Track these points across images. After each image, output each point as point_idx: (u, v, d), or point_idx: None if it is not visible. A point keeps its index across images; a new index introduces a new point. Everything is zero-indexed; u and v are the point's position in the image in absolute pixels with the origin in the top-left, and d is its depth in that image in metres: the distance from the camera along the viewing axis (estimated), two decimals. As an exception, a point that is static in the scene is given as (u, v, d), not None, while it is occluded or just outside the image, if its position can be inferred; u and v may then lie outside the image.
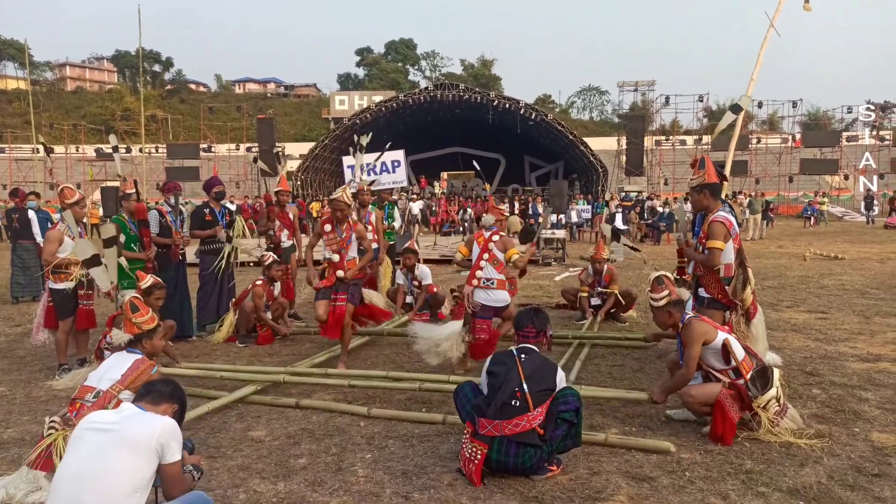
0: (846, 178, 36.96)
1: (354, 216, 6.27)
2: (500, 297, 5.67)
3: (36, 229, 10.49)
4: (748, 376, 4.08)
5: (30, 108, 25.25)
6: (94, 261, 5.24)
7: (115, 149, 7.13)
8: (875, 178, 36.59)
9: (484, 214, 6.07)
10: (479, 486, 3.44)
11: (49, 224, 11.08)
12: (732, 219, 4.80)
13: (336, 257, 5.87)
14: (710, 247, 4.69)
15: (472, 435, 3.55)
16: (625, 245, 7.67)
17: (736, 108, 5.87)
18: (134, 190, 6.69)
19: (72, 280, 5.90)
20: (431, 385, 5.00)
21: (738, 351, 4.18)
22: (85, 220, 6.39)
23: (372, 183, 9.60)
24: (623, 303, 7.75)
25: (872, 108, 39.65)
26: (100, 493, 2.52)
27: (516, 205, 30.04)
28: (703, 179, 4.83)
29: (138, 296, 4.70)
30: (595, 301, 7.98)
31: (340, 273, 5.83)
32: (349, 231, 5.92)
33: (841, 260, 14.17)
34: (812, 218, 28.82)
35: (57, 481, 2.66)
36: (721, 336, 4.19)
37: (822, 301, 8.98)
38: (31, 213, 10.52)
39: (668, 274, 4.63)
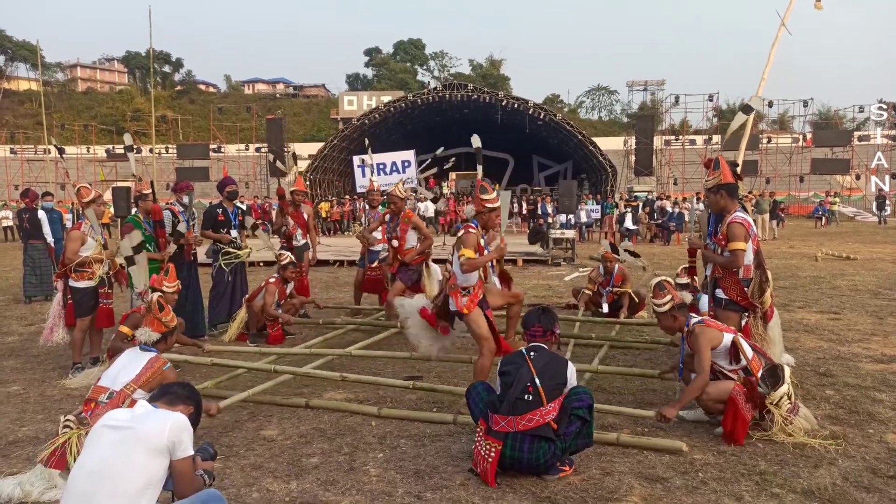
0: (858, 177, 36.69)
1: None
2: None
3: (46, 229, 10.57)
4: (759, 374, 4.08)
5: (41, 109, 25.43)
6: (133, 260, 5.29)
7: (130, 148, 7.15)
8: (887, 177, 36.29)
9: (467, 205, 6.02)
10: (493, 485, 3.44)
11: (61, 224, 11.18)
12: (750, 219, 4.77)
13: (395, 242, 6.38)
14: (732, 248, 4.63)
15: (486, 432, 3.56)
16: (625, 251, 7.67)
17: (747, 109, 5.77)
18: (150, 190, 6.74)
19: (94, 279, 5.94)
20: (425, 385, 4.94)
21: (748, 350, 4.19)
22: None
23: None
24: (637, 300, 7.80)
25: (885, 106, 39.34)
26: (112, 491, 2.53)
27: (524, 204, 30.07)
28: (719, 180, 4.78)
29: (162, 295, 4.76)
30: (603, 300, 8.01)
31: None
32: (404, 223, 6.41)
33: (853, 260, 14.07)
34: (823, 218, 28.63)
35: (72, 479, 2.68)
36: (728, 337, 4.21)
37: (835, 301, 8.92)
38: (41, 214, 10.60)
39: (669, 279, 4.62)
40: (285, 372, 5.18)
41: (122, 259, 5.50)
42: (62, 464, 3.44)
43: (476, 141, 6.67)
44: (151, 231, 6.67)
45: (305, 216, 8.58)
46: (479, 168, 6.66)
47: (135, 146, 7.28)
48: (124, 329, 5.06)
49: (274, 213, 12.16)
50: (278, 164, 9.79)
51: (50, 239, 10.55)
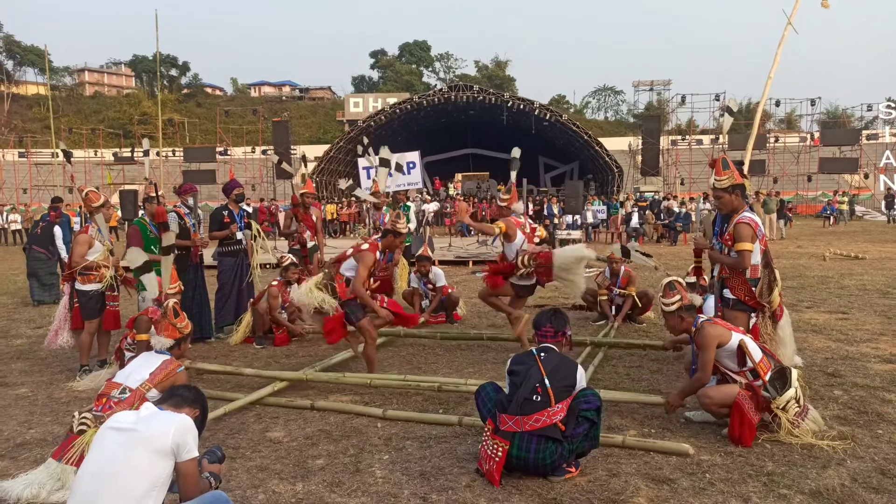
0: (866, 176, 36.48)
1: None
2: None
3: (59, 243, 10.51)
4: (766, 377, 4.04)
5: (49, 113, 25.59)
6: (146, 268, 5.31)
7: (147, 153, 7.27)
8: (896, 176, 36.09)
9: (514, 204, 6.52)
10: (498, 486, 3.44)
11: (69, 227, 11.20)
12: (758, 220, 4.75)
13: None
14: (739, 249, 4.61)
15: (493, 432, 3.56)
16: (636, 251, 7.64)
17: (728, 111, 6.09)
18: (156, 193, 6.77)
19: (101, 282, 5.96)
20: (450, 387, 4.98)
21: (755, 352, 4.13)
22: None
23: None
24: (640, 304, 7.74)
25: (893, 105, 39.15)
26: (117, 493, 2.55)
27: (531, 206, 30.03)
28: (734, 180, 4.76)
29: (178, 301, 4.80)
30: (616, 301, 7.97)
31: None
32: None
33: (861, 260, 13.97)
34: (832, 217, 28.46)
35: (78, 480, 2.70)
36: (736, 337, 4.16)
37: (843, 301, 8.86)
38: (57, 229, 10.55)
39: (680, 279, 4.60)
40: (317, 381, 5.28)
41: (126, 263, 5.55)
42: (80, 461, 3.45)
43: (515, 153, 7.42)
44: (156, 234, 6.70)
45: (314, 218, 8.60)
46: (513, 175, 7.31)
47: (150, 151, 7.41)
48: (143, 336, 5.08)
49: (281, 216, 12.20)
50: (284, 165, 9.81)
51: (64, 254, 10.31)
